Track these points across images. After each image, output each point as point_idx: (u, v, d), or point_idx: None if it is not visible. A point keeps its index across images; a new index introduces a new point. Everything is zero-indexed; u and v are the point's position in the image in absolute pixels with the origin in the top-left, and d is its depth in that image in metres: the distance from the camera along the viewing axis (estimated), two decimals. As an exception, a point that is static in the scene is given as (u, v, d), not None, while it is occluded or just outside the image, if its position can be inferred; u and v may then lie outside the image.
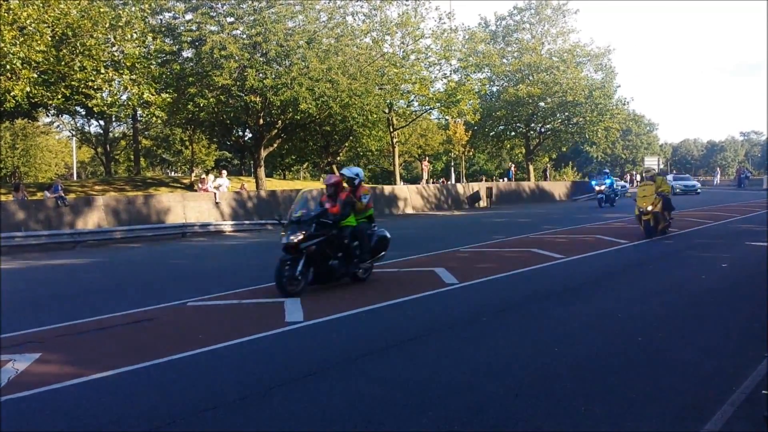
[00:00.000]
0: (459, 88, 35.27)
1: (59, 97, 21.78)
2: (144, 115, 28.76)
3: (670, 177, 48.05)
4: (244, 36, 27.05)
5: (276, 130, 32.41)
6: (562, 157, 69.96)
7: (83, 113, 35.31)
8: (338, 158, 47.96)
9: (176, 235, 20.65)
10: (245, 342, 6.46)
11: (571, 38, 47.39)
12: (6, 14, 18.39)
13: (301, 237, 8.67)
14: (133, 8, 23.19)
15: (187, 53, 28.24)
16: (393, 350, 6.13)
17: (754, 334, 6.38)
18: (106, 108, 23.40)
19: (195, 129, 38.09)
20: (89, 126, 45.88)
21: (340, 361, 5.77)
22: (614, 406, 4.53)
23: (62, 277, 12.64)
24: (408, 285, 9.50)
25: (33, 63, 19.42)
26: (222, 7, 27.53)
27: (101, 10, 20.89)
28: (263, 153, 32.00)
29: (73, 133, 48.69)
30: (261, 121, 30.51)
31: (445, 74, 36.79)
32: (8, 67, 18.73)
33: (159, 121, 30.82)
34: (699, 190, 42.24)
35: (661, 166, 65.19)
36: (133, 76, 22.41)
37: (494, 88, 46.44)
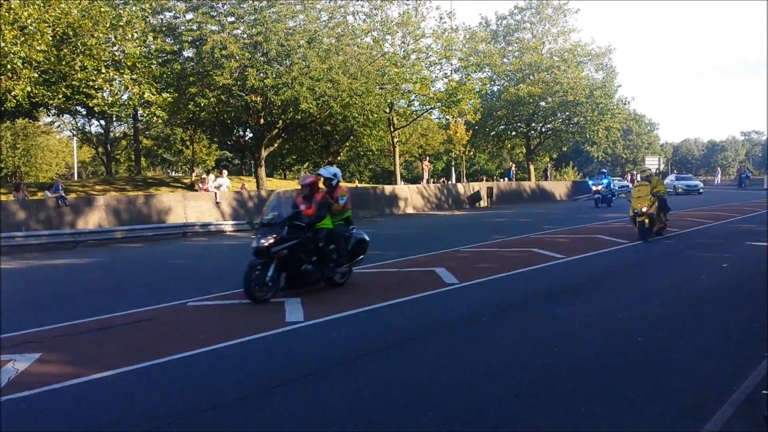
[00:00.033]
0: (460, 87, 35.28)
1: (60, 96, 21.79)
2: (145, 115, 28.77)
3: (672, 177, 48.09)
4: (245, 35, 27.06)
5: (277, 130, 32.42)
6: (562, 157, 69.96)
7: (84, 113, 35.35)
8: (339, 158, 47.99)
9: (177, 235, 20.66)
10: (245, 342, 6.46)
11: (572, 38, 47.47)
12: (7, 14, 18.40)
13: (271, 241, 8.30)
14: (134, 8, 23.19)
15: (188, 53, 28.27)
16: (393, 350, 6.13)
17: (754, 334, 6.38)
18: (106, 108, 23.43)
19: (196, 129, 38.09)
20: (90, 126, 45.93)
21: (340, 361, 5.77)
22: (614, 406, 4.52)
23: (62, 277, 12.64)
24: (408, 285, 9.49)
25: (34, 62, 19.43)
26: (223, 7, 27.55)
27: (102, 9, 20.89)
28: (264, 153, 32.02)
29: (74, 132, 48.72)
30: (262, 121, 30.53)
31: (446, 74, 36.83)
32: (9, 66, 18.74)
33: (160, 121, 30.83)
34: (701, 190, 42.06)
35: (662, 166, 65.12)
36: (134, 76, 22.42)
37: (495, 88, 46.45)
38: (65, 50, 20.85)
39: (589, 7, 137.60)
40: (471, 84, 36.96)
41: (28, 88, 19.57)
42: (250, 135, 36.21)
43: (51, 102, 23.28)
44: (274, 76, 26.51)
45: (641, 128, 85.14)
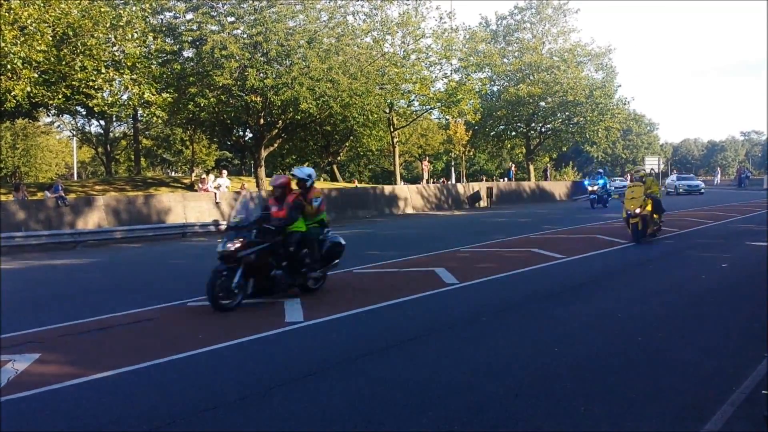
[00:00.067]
0: (459, 87, 35.29)
1: (60, 96, 21.79)
2: (144, 115, 28.76)
3: (674, 177, 48.07)
4: (245, 35, 27.06)
5: (276, 130, 32.43)
6: (562, 157, 69.94)
7: (84, 113, 35.33)
8: (339, 158, 48.02)
9: (176, 235, 20.66)
10: (245, 342, 6.46)
11: (572, 38, 47.50)
12: (7, 14, 18.40)
13: (238, 245, 7.90)
14: (134, 8, 23.19)
15: (188, 53, 28.26)
16: (393, 350, 6.13)
17: (754, 334, 6.38)
18: (106, 108, 23.42)
19: (195, 129, 38.08)
20: (90, 126, 45.92)
21: (340, 361, 5.77)
22: (614, 406, 4.53)
23: (62, 277, 12.64)
24: (408, 285, 9.49)
25: (34, 63, 19.43)
26: (223, 7, 27.55)
27: (102, 9, 20.89)
28: (264, 153, 32.02)
29: (74, 132, 48.72)
30: (261, 121, 30.53)
31: (446, 74, 36.85)
32: (9, 66, 18.74)
33: (159, 121, 30.81)
34: (703, 190, 41.94)
35: (662, 166, 65.13)
36: (134, 76, 22.42)
37: (495, 88, 46.47)
38: (65, 50, 20.86)
39: (589, 7, 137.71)
40: (471, 84, 36.98)
41: (28, 89, 19.58)
42: (250, 135, 36.23)
43: (51, 102, 23.27)
44: (274, 76, 26.51)
45: (641, 128, 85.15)
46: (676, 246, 13.74)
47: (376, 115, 33.40)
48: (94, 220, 20.24)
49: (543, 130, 49.19)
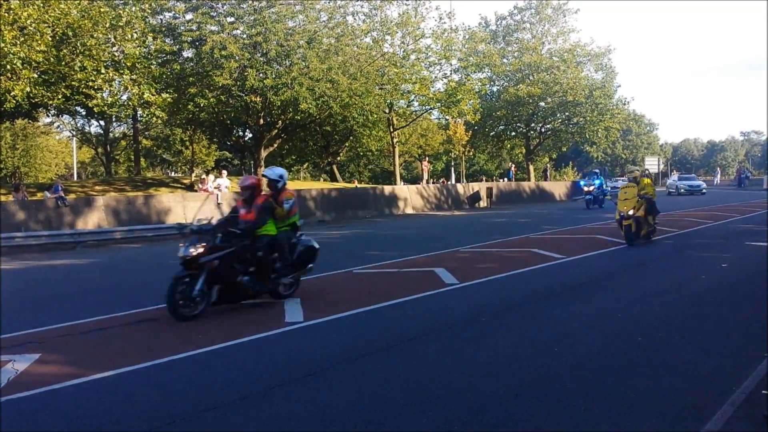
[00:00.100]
0: (459, 87, 35.30)
1: (59, 97, 21.80)
2: (144, 115, 28.78)
3: (675, 177, 48.07)
4: (245, 36, 27.08)
5: (276, 130, 32.45)
6: (562, 157, 69.99)
7: (83, 113, 35.34)
8: (338, 158, 48.02)
9: (176, 235, 20.61)
10: (245, 342, 6.46)
11: (572, 38, 47.59)
12: (6, 14, 18.40)
13: (201, 250, 7.49)
14: (134, 8, 23.21)
15: (188, 53, 28.29)
16: (393, 350, 6.13)
17: (754, 334, 6.38)
18: (106, 108, 23.42)
19: (195, 129, 38.11)
20: (89, 126, 45.95)
21: (340, 361, 5.77)
22: (614, 406, 4.53)
23: (62, 277, 12.64)
24: (408, 285, 9.49)
25: (33, 63, 19.44)
26: (222, 7, 27.57)
27: (101, 10, 20.91)
28: (263, 153, 32.03)
29: (74, 133, 48.72)
30: (261, 121, 30.55)
31: (446, 74, 36.86)
32: (8, 67, 18.75)
33: (159, 121, 30.84)
34: (704, 191, 41.79)
35: (662, 167, 65.17)
36: (134, 76, 22.43)
37: (494, 88, 46.50)
38: (65, 51, 20.86)
39: (589, 7, 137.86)
40: (470, 84, 36.99)
41: (28, 89, 19.58)
42: (250, 135, 36.25)
43: (50, 102, 23.27)
44: (273, 76, 26.52)
45: (641, 128, 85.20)
46: (676, 246, 13.74)
47: (375, 116, 33.42)
48: (93, 220, 20.23)
49: (543, 130, 49.21)
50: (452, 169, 52.19)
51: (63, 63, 20.77)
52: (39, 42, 19.00)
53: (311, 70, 26.39)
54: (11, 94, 19.18)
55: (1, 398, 4.86)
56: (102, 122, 41.51)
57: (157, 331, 7.19)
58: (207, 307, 7.60)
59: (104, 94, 23.08)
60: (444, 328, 6.97)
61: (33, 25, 18.93)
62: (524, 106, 43.93)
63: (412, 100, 37.00)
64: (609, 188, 32.19)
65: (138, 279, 11.72)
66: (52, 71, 20.80)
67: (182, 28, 26.90)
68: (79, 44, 20.73)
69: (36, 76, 19.98)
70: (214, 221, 8.02)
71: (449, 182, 45.97)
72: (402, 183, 42.89)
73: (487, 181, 49.14)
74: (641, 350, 5.93)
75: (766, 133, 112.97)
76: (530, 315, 7.55)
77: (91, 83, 21.32)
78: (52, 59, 20.16)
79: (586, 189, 28.69)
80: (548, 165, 60.40)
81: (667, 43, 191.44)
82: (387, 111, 35.62)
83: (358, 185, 42.80)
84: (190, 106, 27.12)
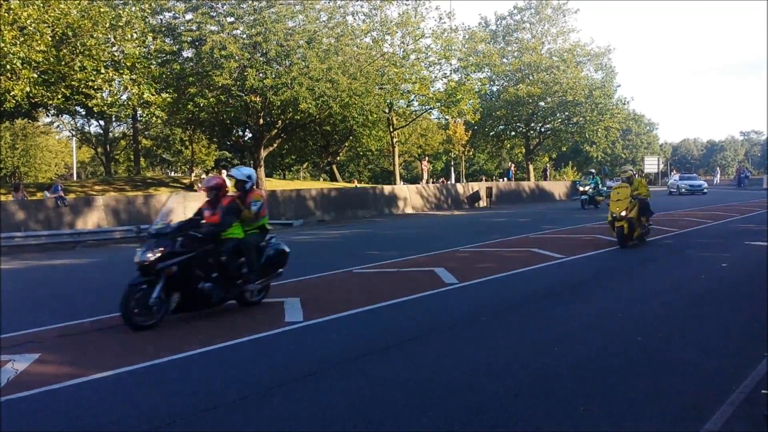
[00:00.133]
0: (459, 87, 35.31)
1: (59, 97, 21.80)
2: (144, 115, 28.79)
3: (676, 177, 48.01)
4: (244, 36, 27.07)
5: (276, 130, 32.44)
6: (562, 157, 69.99)
7: (83, 113, 35.35)
8: (338, 158, 48.03)
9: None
10: (245, 342, 6.46)
11: (571, 38, 47.62)
12: (6, 14, 18.40)
13: (158, 255, 7.10)
14: (134, 8, 23.22)
15: (187, 53, 28.28)
16: (393, 350, 6.13)
17: (754, 334, 6.38)
18: (106, 108, 23.44)
19: (195, 129, 38.11)
20: (89, 126, 46.00)
21: (340, 361, 5.76)
22: (614, 406, 4.53)
23: (62, 277, 12.64)
24: (408, 285, 9.48)
25: (33, 63, 19.44)
26: (222, 7, 27.56)
27: (101, 10, 20.91)
28: (263, 153, 32.03)
29: (73, 133, 48.73)
30: (261, 121, 30.54)
31: (445, 74, 36.88)
32: (8, 67, 18.74)
33: (159, 121, 30.84)
34: (706, 190, 41.65)
35: (661, 166, 65.19)
36: (133, 76, 22.43)
37: (494, 88, 46.51)
38: (64, 51, 20.86)
39: (589, 7, 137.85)
40: (470, 84, 37.00)
41: (28, 89, 19.58)
42: (250, 135, 36.25)
43: (50, 102, 23.27)
44: (273, 76, 26.51)
45: (640, 128, 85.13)
46: (676, 246, 13.74)
47: (375, 115, 33.42)
48: (93, 220, 20.23)
49: (542, 130, 49.23)
50: (452, 168, 52.21)
51: (63, 63, 20.78)
52: (39, 42, 19.00)
53: (311, 70, 26.39)
54: (11, 93, 19.18)
55: (1, 398, 4.86)
56: (102, 122, 41.55)
57: (156, 331, 7.18)
58: (165, 316, 7.17)
59: (104, 94, 23.08)
60: (444, 328, 6.97)
61: (33, 25, 18.93)
62: (524, 105, 43.94)
63: (412, 100, 37.01)
64: (606, 188, 32.11)
65: (138, 279, 11.70)
66: (51, 71, 20.81)
67: (182, 28, 26.89)
68: (78, 44, 20.73)
69: (36, 76, 19.98)
70: (174, 224, 7.63)
71: (449, 182, 45.99)
72: (402, 183, 42.90)
73: (486, 180, 49.14)
74: (641, 350, 5.92)
75: (765, 133, 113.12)
76: (530, 315, 7.54)
77: (90, 83, 21.33)
78: (51, 59, 20.16)
79: (581, 189, 28.69)
80: (548, 165, 60.46)
81: (667, 43, 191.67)
82: (387, 111, 35.63)
83: (358, 185, 42.82)
84: (189, 106, 27.11)
